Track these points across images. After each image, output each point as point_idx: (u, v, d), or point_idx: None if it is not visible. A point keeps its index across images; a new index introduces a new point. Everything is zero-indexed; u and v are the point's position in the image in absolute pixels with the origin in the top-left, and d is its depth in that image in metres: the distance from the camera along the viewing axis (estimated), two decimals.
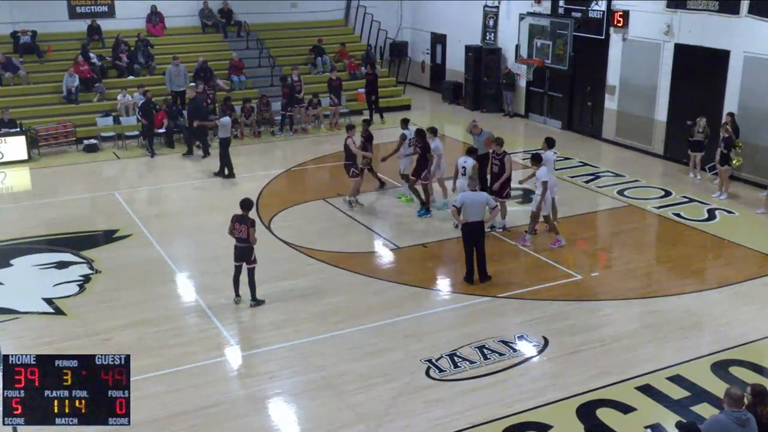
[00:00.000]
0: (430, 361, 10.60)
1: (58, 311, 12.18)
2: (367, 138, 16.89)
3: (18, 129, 20.47)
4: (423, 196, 16.18)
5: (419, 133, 16.09)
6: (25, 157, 20.30)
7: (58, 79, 22.77)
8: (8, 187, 19.02)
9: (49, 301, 12.50)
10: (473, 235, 12.82)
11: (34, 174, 19.70)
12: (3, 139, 20.02)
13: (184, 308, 12.43)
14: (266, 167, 19.84)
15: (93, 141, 21.45)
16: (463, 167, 14.93)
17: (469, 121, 17.33)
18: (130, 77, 23.85)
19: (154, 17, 25.64)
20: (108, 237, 15.18)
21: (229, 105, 21.27)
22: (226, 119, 18.96)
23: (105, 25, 24.89)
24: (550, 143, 15.36)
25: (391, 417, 9.39)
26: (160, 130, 21.44)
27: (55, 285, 13.09)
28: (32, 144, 20.67)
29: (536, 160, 14.32)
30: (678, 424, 7.34)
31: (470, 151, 15.46)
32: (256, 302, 12.21)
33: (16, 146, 20.18)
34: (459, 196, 13.20)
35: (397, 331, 11.47)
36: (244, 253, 12.06)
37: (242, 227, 11.92)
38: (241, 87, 24.55)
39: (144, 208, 17.26)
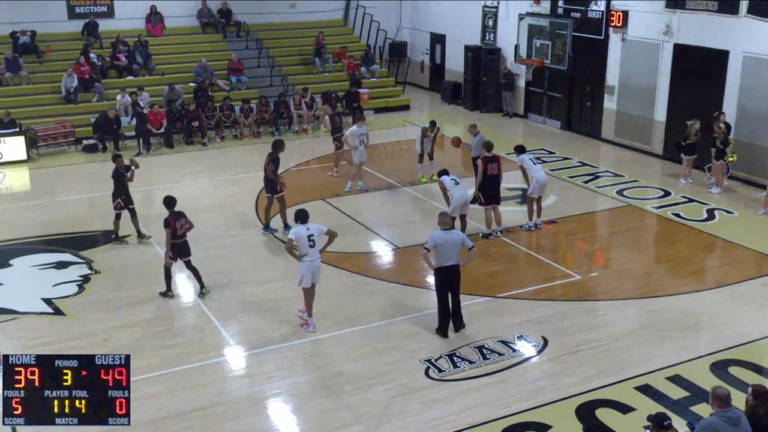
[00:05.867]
0: (429, 361, 10.61)
1: (57, 311, 12.17)
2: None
3: (17, 129, 20.46)
4: None
5: None
6: (24, 157, 20.30)
7: (57, 79, 22.76)
8: (7, 187, 19.01)
9: (48, 301, 12.50)
10: (449, 281, 11.19)
11: (33, 174, 19.70)
12: (2, 139, 20.02)
13: (183, 308, 12.43)
14: None
15: (92, 141, 21.45)
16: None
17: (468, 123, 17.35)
18: (129, 77, 23.87)
19: (154, 17, 25.62)
20: (107, 237, 15.16)
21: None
22: None
23: (104, 25, 24.88)
24: (520, 150, 15.54)
25: (390, 417, 9.39)
26: (160, 131, 21.46)
27: (54, 285, 13.09)
28: (31, 144, 20.67)
29: (301, 217, 11.56)
30: (648, 417, 7.43)
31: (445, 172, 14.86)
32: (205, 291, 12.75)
33: (15, 146, 20.18)
34: (430, 237, 11.16)
35: (396, 332, 11.47)
36: (188, 246, 12.59)
37: (186, 221, 12.46)
38: (241, 87, 24.56)
39: (143, 208, 17.19)
